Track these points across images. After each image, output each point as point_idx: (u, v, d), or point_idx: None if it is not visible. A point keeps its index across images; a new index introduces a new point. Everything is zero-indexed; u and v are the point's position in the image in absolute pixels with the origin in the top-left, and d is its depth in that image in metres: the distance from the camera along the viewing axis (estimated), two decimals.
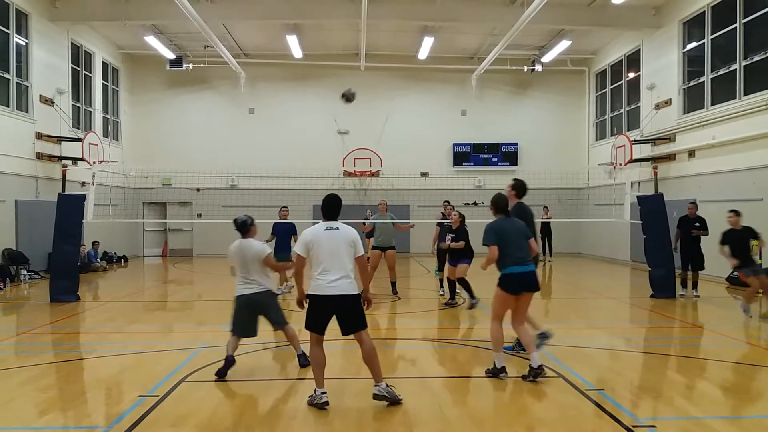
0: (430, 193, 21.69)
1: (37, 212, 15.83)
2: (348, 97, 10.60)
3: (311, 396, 5.50)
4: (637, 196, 13.37)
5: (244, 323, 6.71)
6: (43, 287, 13.46)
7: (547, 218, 20.28)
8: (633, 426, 4.97)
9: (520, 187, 7.21)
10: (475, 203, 21.98)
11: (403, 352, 8.09)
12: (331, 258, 5.44)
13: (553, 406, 5.51)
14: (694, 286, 12.24)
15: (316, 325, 5.52)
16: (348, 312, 5.47)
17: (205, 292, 14.61)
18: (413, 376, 6.78)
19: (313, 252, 5.49)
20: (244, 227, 6.82)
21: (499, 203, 6.52)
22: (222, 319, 10.01)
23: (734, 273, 12.10)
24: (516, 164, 23.51)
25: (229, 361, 6.48)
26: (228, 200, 21.94)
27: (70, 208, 12.00)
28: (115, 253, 20.62)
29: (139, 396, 5.71)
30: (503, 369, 6.33)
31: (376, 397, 5.47)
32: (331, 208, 5.66)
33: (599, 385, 6.08)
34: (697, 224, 12.19)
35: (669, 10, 17.69)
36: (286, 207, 13.24)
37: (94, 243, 18.62)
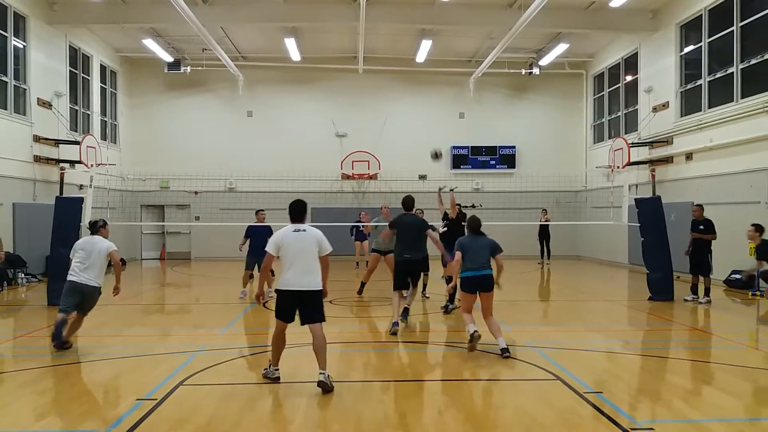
0: (428, 195, 21.65)
1: (34, 215, 15.79)
2: (437, 155, 12.33)
3: (266, 369, 6.36)
4: (635, 199, 13.38)
5: (72, 305, 7.89)
6: (40, 290, 13.43)
7: (545, 221, 20.29)
8: (631, 429, 4.97)
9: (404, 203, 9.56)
10: (473, 206, 21.98)
11: (403, 354, 8.10)
12: (299, 257, 6.14)
13: (552, 409, 5.51)
14: (706, 292, 11.89)
15: (284, 315, 6.21)
16: (309, 305, 6.16)
17: (203, 295, 14.59)
18: (412, 379, 6.78)
19: (283, 251, 6.17)
20: (95, 227, 8.26)
21: (471, 224, 8.04)
22: (220, 322, 10.03)
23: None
24: (514, 167, 23.52)
25: (62, 340, 7.68)
26: (226, 203, 21.93)
27: (68, 211, 11.98)
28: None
29: (137, 399, 5.69)
30: (476, 332, 7.39)
31: (320, 383, 5.93)
32: (297, 212, 6.39)
33: (597, 388, 6.08)
34: (701, 227, 11.98)
35: (666, 13, 17.75)
36: (263, 210, 13.20)
37: None
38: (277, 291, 6.24)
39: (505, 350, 7.26)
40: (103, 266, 8.04)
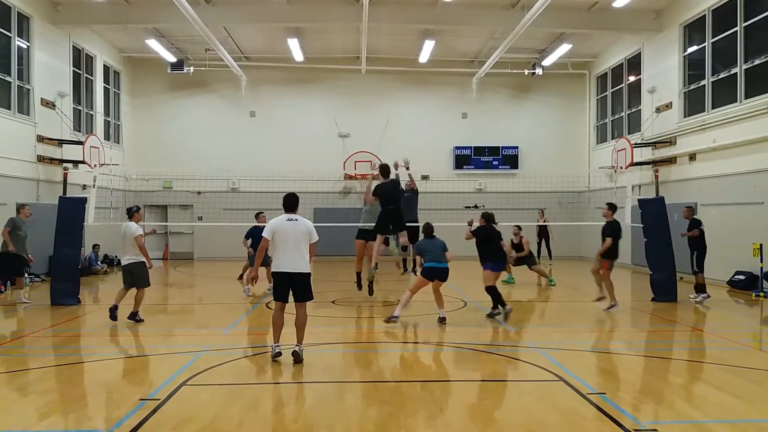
0: (430, 196, 21.67)
1: (38, 215, 15.67)
2: (396, 166, 12.99)
3: (271, 350, 7.03)
4: (638, 200, 13.36)
5: (128, 283, 9.79)
6: (44, 290, 13.46)
7: (543, 222, 20.19)
8: (635, 430, 4.96)
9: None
10: (476, 206, 21.97)
11: (405, 354, 8.10)
12: (291, 243, 6.98)
13: (555, 410, 5.51)
14: (701, 289, 12.25)
15: (280, 294, 7.10)
16: (300, 285, 7.07)
17: (206, 295, 14.60)
18: (414, 379, 6.78)
19: (277, 237, 7.02)
20: (129, 213, 9.79)
21: (425, 230, 9.95)
22: (223, 322, 10.05)
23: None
24: (516, 167, 23.50)
25: (112, 311, 9.56)
26: (229, 203, 21.91)
27: (71, 211, 12.01)
28: (115, 256, 20.56)
29: (140, 399, 5.70)
30: (395, 318, 9.41)
31: (294, 353, 6.94)
32: (290, 203, 7.25)
33: (601, 389, 6.07)
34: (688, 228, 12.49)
35: (670, 13, 17.71)
36: (263, 213, 13.39)
37: (94, 246, 18.62)
38: (273, 273, 7.14)
39: (442, 319, 9.46)
40: (135, 246, 9.53)
